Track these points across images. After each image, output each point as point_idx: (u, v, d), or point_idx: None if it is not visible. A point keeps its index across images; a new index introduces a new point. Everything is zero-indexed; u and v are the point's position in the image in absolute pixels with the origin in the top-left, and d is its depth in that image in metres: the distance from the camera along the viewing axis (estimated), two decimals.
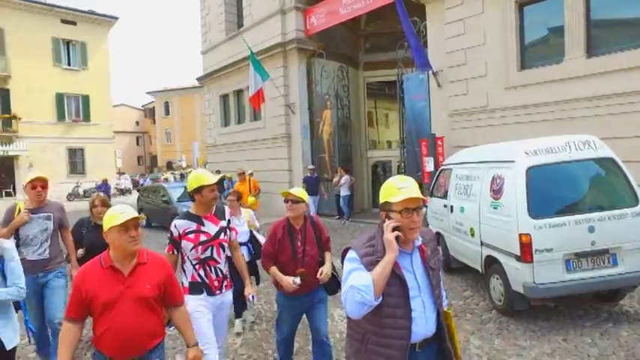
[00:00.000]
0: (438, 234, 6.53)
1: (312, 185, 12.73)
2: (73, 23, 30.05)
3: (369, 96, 16.67)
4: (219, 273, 3.11)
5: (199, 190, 3.01)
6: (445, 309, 2.15)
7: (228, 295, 3.22)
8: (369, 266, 1.92)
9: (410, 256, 2.02)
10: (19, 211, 4.00)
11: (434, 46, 10.27)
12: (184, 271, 3.11)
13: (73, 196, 27.01)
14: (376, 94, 17.10)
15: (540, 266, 4.15)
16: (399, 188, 1.95)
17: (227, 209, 3.30)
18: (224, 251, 3.14)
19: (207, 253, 3.04)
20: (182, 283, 3.01)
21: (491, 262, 5.00)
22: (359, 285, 1.85)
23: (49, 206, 4.15)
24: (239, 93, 17.76)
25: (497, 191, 4.71)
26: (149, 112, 57.10)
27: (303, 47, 14.51)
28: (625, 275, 4.26)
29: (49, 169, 25.91)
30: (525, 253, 4.18)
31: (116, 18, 32.07)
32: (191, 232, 3.02)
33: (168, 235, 3.09)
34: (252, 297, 3.26)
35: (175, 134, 52.15)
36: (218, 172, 14.00)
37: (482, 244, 5.14)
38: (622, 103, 7.29)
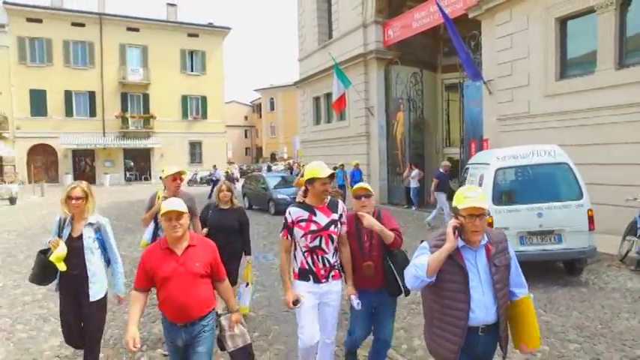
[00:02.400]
0: None
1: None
2: (196, 35, 35.30)
3: (446, 96, 17.98)
4: (327, 262, 3.15)
5: (312, 181, 3.12)
6: (522, 296, 2.43)
7: (335, 286, 3.22)
8: None
9: (475, 253, 2.34)
10: (159, 199, 4.40)
11: (487, 58, 11.61)
12: (295, 257, 3.23)
13: (192, 182, 31.91)
14: (453, 95, 18.31)
15: None
16: (465, 197, 2.31)
17: (341, 204, 3.32)
18: (333, 243, 3.17)
19: (316, 243, 3.11)
20: (293, 269, 3.24)
21: None
22: (417, 263, 2.30)
23: (181, 196, 4.35)
24: (328, 96, 20.20)
25: (480, 185, 6.41)
26: (256, 108, 62.14)
27: (381, 57, 16.46)
28: (567, 250, 5.77)
29: (174, 159, 31.60)
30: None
31: (229, 28, 36.73)
32: (302, 221, 3.12)
33: (284, 220, 3.23)
34: (358, 303, 3.17)
35: (279, 128, 55.94)
36: (338, 167, 15.18)
37: None
38: None
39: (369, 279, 3.20)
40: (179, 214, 2.70)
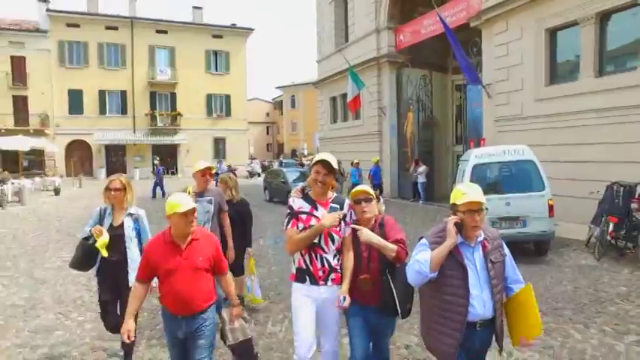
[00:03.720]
0: None
1: None
2: (220, 37, 36.96)
3: (457, 96, 18.98)
4: (325, 263, 2.90)
5: (310, 169, 2.98)
6: (522, 286, 2.51)
7: (337, 291, 2.88)
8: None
9: (472, 249, 2.40)
10: (189, 193, 4.35)
11: (487, 64, 12.69)
12: (293, 255, 3.00)
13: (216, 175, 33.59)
14: (463, 95, 19.30)
15: None
16: (463, 193, 2.37)
17: (347, 202, 3.01)
18: (333, 243, 2.91)
19: (315, 240, 2.87)
20: (291, 270, 3.02)
21: None
22: (420, 259, 2.36)
23: (211, 191, 4.54)
24: (344, 96, 21.39)
25: (462, 178, 7.61)
26: (278, 105, 63.50)
27: (393, 60, 17.65)
28: (530, 233, 6.96)
29: (199, 154, 33.19)
30: None
31: (252, 29, 38.28)
32: (303, 213, 2.92)
33: (288, 210, 3.00)
34: (344, 298, 2.80)
35: (300, 124, 56.93)
36: (354, 165, 15.92)
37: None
38: (625, 114, 9.09)
39: (367, 294, 2.87)
40: (191, 211, 2.75)
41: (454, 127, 18.90)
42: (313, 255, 2.91)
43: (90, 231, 3.55)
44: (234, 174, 24.88)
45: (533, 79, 11.04)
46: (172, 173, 35.76)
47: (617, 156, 8.95)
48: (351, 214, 2.98)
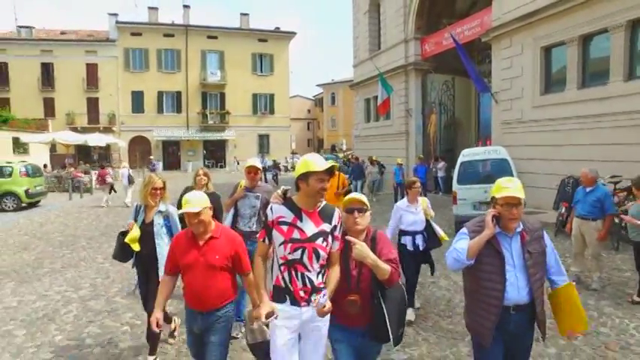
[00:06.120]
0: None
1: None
2: (265, 40, 39.98)
3: (479, 99, 20.78)
4: (308, 282, 2.50)
5: (305, 176, 2.49)
6: (564, 284, 2.64)
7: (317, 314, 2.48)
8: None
9: (510, 239, 2.54)
10: (241, 187, 4.55)
11: (495, 74, 14.63)
12: (271, 270, 2.63)
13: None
14: None
15: (460, 206, 9.30)
16: (503, 187, 2.50)
17: (337, 212, 2.63)
18: (318, 260, 2.50)
19: (296, 255, 2.48)
20: (267, 286, 2.63)
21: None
22: (458, 247, 2.54)
23: (260, 188, 4.58)
24: (376, 98, 23.68)
25: (455, 172, 9.82)
26: (318, 102, 65.82)
27: (419, 67, 19.73)
28: None
29: (245, 149, 36.87)
30: (454, 199, 9.38)
31: (294, 33, 41.03)
32: (284, 224, 2.51)
33: (264, 217, 2.80)
34: (319, 303, 2.46)
35: (339, 121, 58.95)
36: (379, 163, 17.41)
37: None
38: (599, 121, 10.92)
39: (354, 316, 2.56)
40: (195, 214, 2.75)
41: (476, 127, 20.78)
42: (293, 273, 2.51)
43: (128, 225, 3.81)
44: (279, 168, 27.70)
45: (531, 89, 12.95)
46: (220, 166, 39.30)
47: (595, 155, 10.75)
48: (335, 228, 2.58)
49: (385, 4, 22.06)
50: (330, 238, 2.56)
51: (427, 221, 4.95)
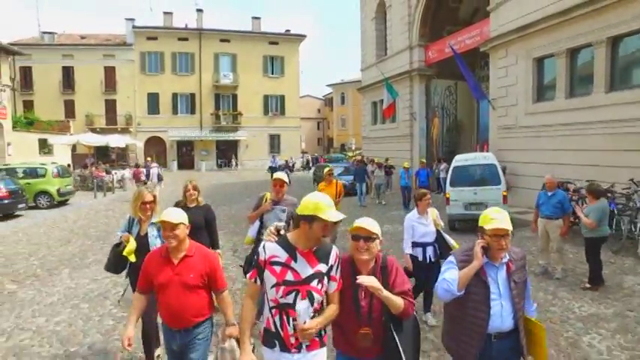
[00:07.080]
0: None
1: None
2: (276, 43, 41.11)
3: None
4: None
5: (310, 219, 2.31)
6: (536, 322, 2.71)
7: (314, 357, 2.40)
8: (462, 269, 2.55)
9: (496, 269, 2.58)
10: (266, 200, 4.62)
11: (493, 82, 15.59)
12: (263, 306, 2.48)
13: (270, 169, 37.85)
14: None
15: (452, 206, 10.33)
16: (491, 218, 2.53)
17: (334, 251, 2.46)
18: (312, 303, 2.34)
19: (289, 300, 2.32)
20: (259, 327, 2.58)
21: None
22: (448, 278, 2.54)
23: (286, 201, 4.64)
24: (382, 102, 24.77)
25: (448, 176, 10.83)
26: (328, 102, 66.48)
27: (423, 73, 20.71)
28: None
29: (257, 149, 38.20)
30: (447, 201, 10.42)
31: (304, 35, 42.11)
32: (277, 264, 2.36)
33: (255, 256, 2.64)
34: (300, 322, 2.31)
35: (349, 120, 59.52)
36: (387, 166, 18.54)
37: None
38: (585, 128, 11.83)
39: (365, 348, 2.39)
40: (173, 226, 2.72)
41: (477, 130, 21.69)
42: (285, 317, 2.36)
43: (121, 237, 3.76)
44: (291, 168, 28.68)
45: (524, 97, 13.89)
46: (231, 166, 40.55)
47: (581, 160, 11.72)
48: (331, 269, 2.41)
49: (391, 11, 23.06)
50: (325, 280, 2.39)
51: (438, 232, 4.96)
